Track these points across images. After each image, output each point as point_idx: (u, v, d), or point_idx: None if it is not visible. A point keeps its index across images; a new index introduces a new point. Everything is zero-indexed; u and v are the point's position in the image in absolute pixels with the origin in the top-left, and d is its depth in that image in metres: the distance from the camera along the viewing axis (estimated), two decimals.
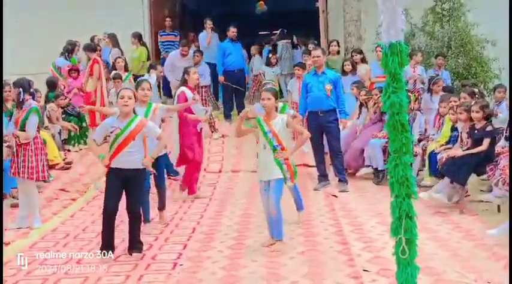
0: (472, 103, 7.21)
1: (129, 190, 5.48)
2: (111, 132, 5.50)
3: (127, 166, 5.43)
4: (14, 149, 6.66)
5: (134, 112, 5.62)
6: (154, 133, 5.66)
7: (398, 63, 3.23)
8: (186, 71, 7.83)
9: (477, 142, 6.88)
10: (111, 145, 5.48)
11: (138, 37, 12.61)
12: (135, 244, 5.54)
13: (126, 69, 11.57)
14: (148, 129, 5.57)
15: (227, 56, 12.20)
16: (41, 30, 13.05)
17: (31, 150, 6.64)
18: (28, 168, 6.61)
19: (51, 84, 10.86)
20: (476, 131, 6.93)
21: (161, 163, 6.75)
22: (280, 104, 6.87)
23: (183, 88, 7.69)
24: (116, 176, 5.46)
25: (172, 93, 12.04)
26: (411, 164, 3.41)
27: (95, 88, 10.76)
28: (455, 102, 7.79)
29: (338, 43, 11.68)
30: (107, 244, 5.46)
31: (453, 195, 6.88)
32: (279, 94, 6.11)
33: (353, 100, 9.65)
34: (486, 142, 6.79)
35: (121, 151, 5.41)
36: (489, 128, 6.88)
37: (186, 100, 7.56)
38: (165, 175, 7.25)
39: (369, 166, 8.58)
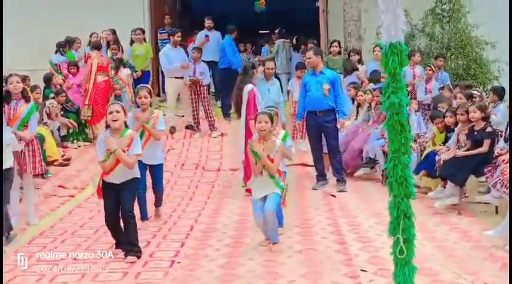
0: (470, 105, 7.22)
1: (120, 196, 5.45)
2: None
3: (120, 181, 5.42)
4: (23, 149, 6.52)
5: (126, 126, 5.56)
6: (138, 150, 5.49)
7: (398, 63, 3.23)
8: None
9: (476, 143, 6.86)
10: (105, 159, 5.39)
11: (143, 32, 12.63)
12: (131, 248, 5.45)
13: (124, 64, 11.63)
14: (134, 144, 5.45)
15: (233, 54, 12.25)
16: (41, 29, 13.03)
17: (34, 145, 6.69)
18: (32, 163, 6.63)
19: (48, 81, 10.87)
20: (475, 133, 6.93)
21: (157, 173, 6.64)
22: (283, 132, 6.60)
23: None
24: (110, 190, 5.45)
25: (166, 78, 11.90)
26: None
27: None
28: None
29: (339, 43, 11.65)
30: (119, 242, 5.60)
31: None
32: (275, 118, 5.88)
33: (349, 101, 9.59)
34: (486, 143, 6.77)
35: (116, 168, 5.38)
36: (489, 129, 6.88)
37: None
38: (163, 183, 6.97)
39: (367, 164, 8.56)
